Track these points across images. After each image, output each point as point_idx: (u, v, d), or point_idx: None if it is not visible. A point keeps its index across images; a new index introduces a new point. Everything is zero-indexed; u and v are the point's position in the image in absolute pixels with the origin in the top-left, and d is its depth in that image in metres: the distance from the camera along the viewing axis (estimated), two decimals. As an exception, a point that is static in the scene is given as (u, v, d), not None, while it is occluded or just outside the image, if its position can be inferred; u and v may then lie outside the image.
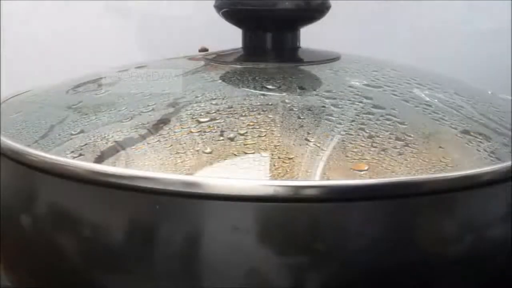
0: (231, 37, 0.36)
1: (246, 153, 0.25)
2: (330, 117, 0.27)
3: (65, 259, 0.26)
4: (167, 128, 0.27)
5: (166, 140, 0.26)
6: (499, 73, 0.55)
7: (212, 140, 0.26)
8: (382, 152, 0.25)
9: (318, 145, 0.26)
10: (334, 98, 0.29)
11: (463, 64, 0.56)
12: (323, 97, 0.29)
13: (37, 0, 0.58)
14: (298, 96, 0.29)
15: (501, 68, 0.56)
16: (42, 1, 0.58)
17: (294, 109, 0.28)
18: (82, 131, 0.28)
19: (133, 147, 0.26)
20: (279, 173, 0.24)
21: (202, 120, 0.27)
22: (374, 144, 0.26)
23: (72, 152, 0.27)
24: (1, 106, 0.35)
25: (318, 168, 0.24)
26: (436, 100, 0.31)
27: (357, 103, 0.29)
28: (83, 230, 0.25)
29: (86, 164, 0.25)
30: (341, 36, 0.54)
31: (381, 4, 0.59)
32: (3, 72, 0.57)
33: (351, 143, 0.26)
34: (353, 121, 0.27)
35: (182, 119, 0.28)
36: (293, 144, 0.25)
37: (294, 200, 0.23)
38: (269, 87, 0.30)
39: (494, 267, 0.26)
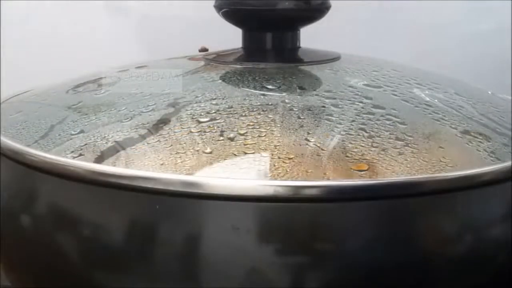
0: (231, 37, 0.36)
1: (246, 153, 0.25)
2: (330, 117, 0.27)
3: (65, 259, 0.26)
4: (167, 128, 0.27)
5: (166, 140, 0.26)
6: (499, 73, 0.55)
7: (212, 140, 0.26)
8: (382, 152, 0.25)
9: (318, 145, 0.26)
10: (334, 98, 0.29)
11: (463, 64, 0.56)
12: (323, 97, 0.29)
13: (37, 0, 0.58)
14: (298, 96, 0.29)
15: (501, 68, 0.56)
16: (42, 1, 0.58)
17: (294, 109, 0.28)
18: (82, 131, 0.28)
19: (133, 147, 0.26)
20: (279, 173, 0.24)
21: (202, 120, 0.27)
22: (374, 144, 0.26)
23: (72, 152, 0.27)
24: (1, 106, 0.35)
25: (318, 168, 0.24)
26: (436, 100, 0.31)
27: (357, 103, 0.29)
28: (83, 230, 0.25)
29: (86, 164, 0.25)
30: (341, 36, 0.54)
31: (381, 4, 0.59)
32: (3, 72, 0.57)
33: (351, 143, 0.26)
34: (353, 121, 0.27)
35: (182, 119, 0.28)
36: (293, 144, 0.25)
37: (294, 200, 0.23)
38: (269, 87, 0.30)
39: (494, 267, 0.26)
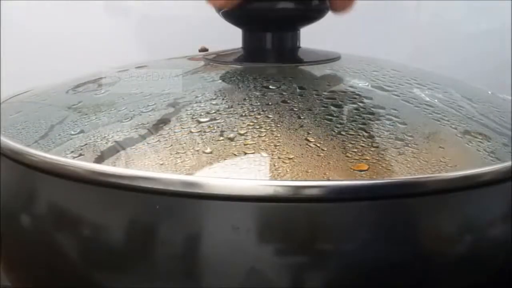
0: (231, 37, 0.36)
1: (246, 153, 0.25)
2: (330, 117, 0.27)
3: (65, 259, 0.26)
4: (167, 128, 0.27)
5: (166, 140, 0.26)
6: (499, 73, 0.55)
7: (212, 140, 0.26)
8: (382, 152, 0.25)
9: (318, 145, 0.26)
10: (334, 98, 0.29)
11: (463, 64, 0.56)
12: (323, 97, 0.29)
13: (37, 0, 0.58)
14: (298, 96, 0.29)
15: (501, 68, 0.56)
16: (42, 1, 0.58)
17: (294, 109, 0.28)
18: (82, 131, 0.28)
19: (133, 147, 0.26)
20: (279, 173, 0.24)
21: (202, 120, 0.27)
22: (374, 144, 0.26)
23: (72, 152, 0.27)
24: (1, 106, 0.35)
25: (318, 168, 0.24)
26: (436, 100, 0.31)
27: (357, 103, 0.29)
28: (83, 230, 0.25)
29: (86, 164, 0.25)
30: (341, 36, 0.54)
31: (381, 4, 0.58)
32: (3, 72, 0.57)
33: (351, 143, 0.26)
34: (353, 121, 0.27)
35: (182, 119, 0.28)
36: (293, 144, 0.25)
37: (294, 200, 0.23)
38: (269, 87, 0.30)
39: (494, 267, 0.26)
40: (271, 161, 0.25)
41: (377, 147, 0.26)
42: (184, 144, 0.26)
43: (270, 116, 0.27)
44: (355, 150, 0.25)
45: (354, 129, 0.27)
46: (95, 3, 0.58)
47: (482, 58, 0.57)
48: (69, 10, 0.58)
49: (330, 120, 0.27)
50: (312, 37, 0.37)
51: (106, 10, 0.59)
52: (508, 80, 0.53)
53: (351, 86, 0.31)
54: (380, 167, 0.25)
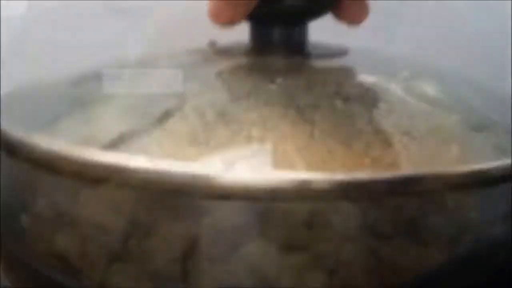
0: (237, 31, 0.35)
1: (249, 148, 0.25)
2: (336, 113, 0.27)
3: (65, 259, 0.26)
4: (170, 123, 0.27)
5: (169, 134, 0.26)
6: (499, 73, 0.55)
7: (215, 135, 0.26)
8: (386, 149, 0.25)
9: (322, 141, 0.25)
10: (341, 93, 0.29)
11: (463, 64, 0.56)
12: (330, 92, 0.29)
13: (36, 0, 0.58)
14: (305, 91, 0.29)
15: (501, 68, 0.56)
16: (42, 1, 0.58)
17: (300, 105, 0.27)
18: (83, 126, 0.28)
19: (135, 142, 0.26)
20: (281, 170, 0.24)
21: (206, 114, 0.27)
22: (378, 141, 0.26)
23: (73, 147, 0.26)
24: (1, 100, 0.35)
25: (321, 166, 0.24)
26: (441, 96, 0.31)
27: (364, 98, 0.29)
28: (82, 230, 0.25)
29: (87, 160, 0.25)
30: (341, 36, 0.54)
31: (381, 4, 0.58)
32: (3, 72, 0.57)
33: (354, 139, 0.26)
34: (359, 116, 0.27)
35: (185, 113, 0.27)
36: (297, 141, 0.25)
37: (294, 199, 0.23)
38: (276, 82, 0.30)
39: (494, 267, 0.26)
40: (273, 158, 0.25)
41: (380, 143, 0.26)
42: (186, 139, 0.26)
43: (276, 111, 0.27)
44: (358, 146, 0.25)
45: (359, 125, 0.26)
46: (95, 3, 0.58)
47: (482, 58, 0.57)
48: (69, 10, 0.58)
49: (336, 115, 0.27)
50: (312, 36, 0.37)
51: (106, 10, 0.59)
52: (508, 80, 0.53)
53: (358, 81, 0.31)
54: (383, 163, 0.24)
